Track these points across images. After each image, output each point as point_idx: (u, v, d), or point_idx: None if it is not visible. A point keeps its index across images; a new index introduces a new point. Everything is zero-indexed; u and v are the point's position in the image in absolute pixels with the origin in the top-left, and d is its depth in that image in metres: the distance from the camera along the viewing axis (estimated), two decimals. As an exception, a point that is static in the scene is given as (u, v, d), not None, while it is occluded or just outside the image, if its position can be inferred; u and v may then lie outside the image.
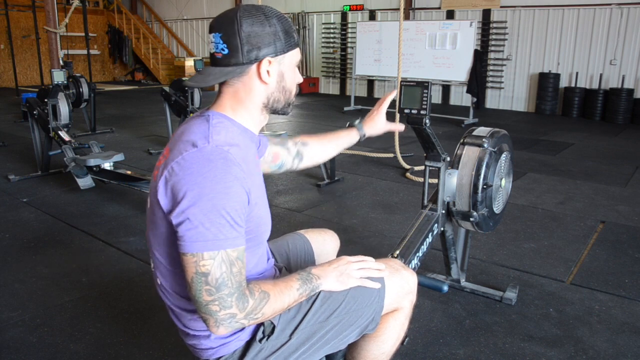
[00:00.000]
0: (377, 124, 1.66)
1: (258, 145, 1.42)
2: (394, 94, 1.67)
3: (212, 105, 1.21)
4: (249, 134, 1.21)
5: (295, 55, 1.20)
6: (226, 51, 1.13)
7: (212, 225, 1.02)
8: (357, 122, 1.67)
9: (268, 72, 1.16)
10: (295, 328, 1.22)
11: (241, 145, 1.14)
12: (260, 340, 1.19)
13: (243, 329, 1.18)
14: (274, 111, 1.23)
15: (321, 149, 1.64)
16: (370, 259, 1.33)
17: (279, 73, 1.18)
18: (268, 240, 1.35)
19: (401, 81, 1.93)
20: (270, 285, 1.14)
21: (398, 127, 1.73)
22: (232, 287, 1.04)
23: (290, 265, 1.54)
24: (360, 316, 1.27)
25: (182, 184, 1.04)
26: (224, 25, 1.12)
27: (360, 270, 1.28)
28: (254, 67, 1.15)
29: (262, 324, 1.20)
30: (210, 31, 1.15)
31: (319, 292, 1.24)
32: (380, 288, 1.29)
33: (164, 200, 1.07)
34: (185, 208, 1.02)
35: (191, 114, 5.51)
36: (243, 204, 1.07)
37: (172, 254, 1.11)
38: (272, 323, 1.20)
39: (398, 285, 1.33)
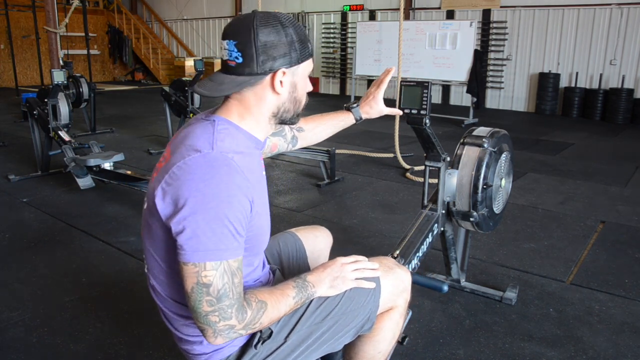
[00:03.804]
0: (373, 108, 1.62)
1: (262, 148, 1.41)
2: (392, 72, 1.60)
3: (218, 109, 1.17)
4: (254, 141, 1.17)
5: (308, 65, 1.18)
6: (240, 60, 1.08)
7: (213, 234, 1.00)
8: (354, 105, 1.63)
9: (281, 82, 1.12)
10: (291, 330, 1.21)
11: (245, 153, 1.12)
12: (255, 346, 1.18)
13: None
14: (282, 121, 1.20)
15: (316, 132, 1.62)
16: (363, 258, 1.31)
17: (292, 83, 1.15)
18: None
19: (401, 81, 1.93)
20: (266, 294, 1.13)
21: (396, 111, 1.69)
22: (232, 299, 1.03)
23: (282, 265, 1.53)
24: (356, 317, 1.27)
25: (183, 190, 1.01)
26: (240, 32, 1.08)
27: (355, 271, 1.26)
28: (267, 77, 1.11)
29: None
30: (224, 38, 1.10)
31: None
32: (375, 287, 1.28)
33: (161, 205, 1.04)
34: (186, 215, 0.99)
35: (191, 114, 5.52)
36: (245, 213, 1.05)
37: (170, 259, 1.09)
38: (270, 328, 1.19)
39: (392, 284, 1.33)
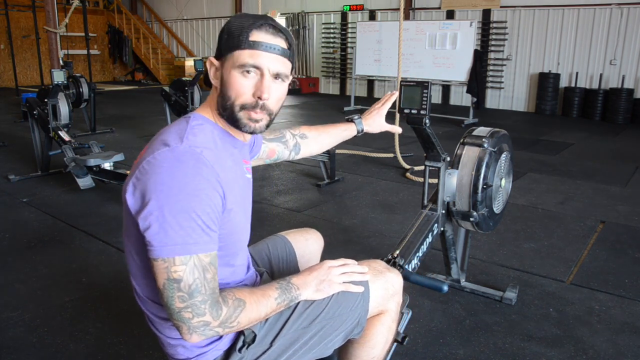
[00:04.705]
0: (376, 121, 1.67)
1: (251, 147, 1.39)
2: (395, 96, 1.68)
3: (199, 107, 1.20)
4: (230, 140, 1.17)
5: (236, 57, 1.09)
6: None
7: (181, 228, 0.98)
8: (356, 117, 1.66)
9: (215, 73, 1.14)
10: (277, 335, 1.18)
11: (218, 149, 1.10)
12: (239, 350, 1.15)
13: (220, 337, 1.15)
14: (230, 122, 1.14)
15: (319, 141, 1.63)
16: (352, 261, 1.29)
17: (221, 76, 1.12)
18: (248, 245, 1.31)
19: (401, 81, 1.93)
20: (246, 293, 1.10)
21: (396, 129, 1.72)
22: (205, 294, 1.01)
23: (272, 268, 1.50)
24: (344, 321, 1.24)
25: (150, 184, 0.99)
26: None
27: (342, 275, 1.24)
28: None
29: (242, 332, 1.15)
30: None
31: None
32: (364, 291, 1.26)
33: (131, 200, 1.02)
34: (152, 210, 0.98)
35: (191, 114, 5.53)
36: (215, 207, 1.03)
37: (146, 258, 1.05)
38: (253, 332, 1.16)
39: (382, 288, 1.30)
